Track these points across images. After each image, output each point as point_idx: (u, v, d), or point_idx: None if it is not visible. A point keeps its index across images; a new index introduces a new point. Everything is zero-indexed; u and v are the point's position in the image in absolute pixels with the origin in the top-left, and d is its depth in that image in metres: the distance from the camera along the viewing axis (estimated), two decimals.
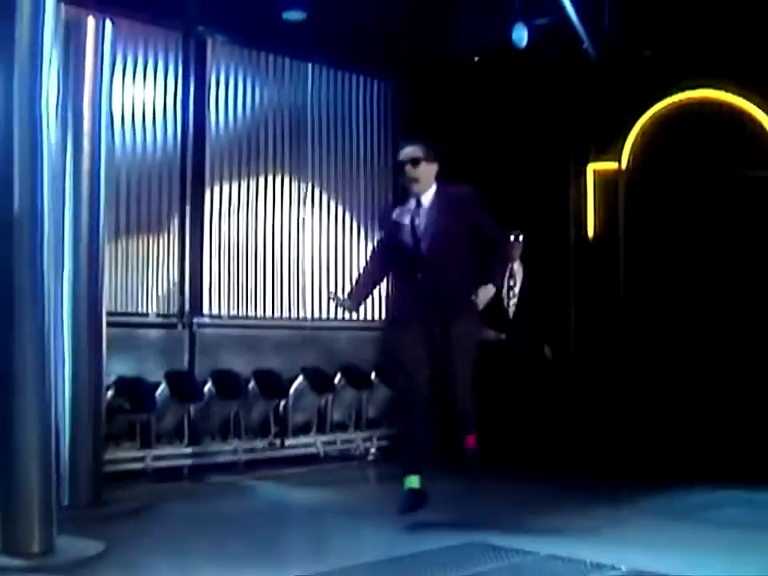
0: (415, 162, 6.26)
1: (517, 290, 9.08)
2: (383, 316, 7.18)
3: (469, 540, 5.56)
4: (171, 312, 8.70)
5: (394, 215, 6.39)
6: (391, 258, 6.46)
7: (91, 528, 5.82)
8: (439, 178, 6.32)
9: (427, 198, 6.28)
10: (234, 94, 9.31)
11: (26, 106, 5.29)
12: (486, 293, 6.22)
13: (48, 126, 5.43)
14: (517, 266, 9.07)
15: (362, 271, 7.22)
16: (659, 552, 5.20)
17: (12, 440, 5.23)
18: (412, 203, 6.31)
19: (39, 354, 5.37)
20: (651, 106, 9.84)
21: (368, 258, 7.40)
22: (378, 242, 7.13)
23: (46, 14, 5.51)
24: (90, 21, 6.66)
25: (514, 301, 9.09)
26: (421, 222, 6.23)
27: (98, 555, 5.14)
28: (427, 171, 6.27)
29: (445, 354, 6.18)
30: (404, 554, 5.19)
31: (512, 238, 8.90)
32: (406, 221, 6.27)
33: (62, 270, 6.35)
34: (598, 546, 5.32)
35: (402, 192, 6.66)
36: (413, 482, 5.99)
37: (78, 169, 6.59)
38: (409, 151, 6.33)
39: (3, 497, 5.21)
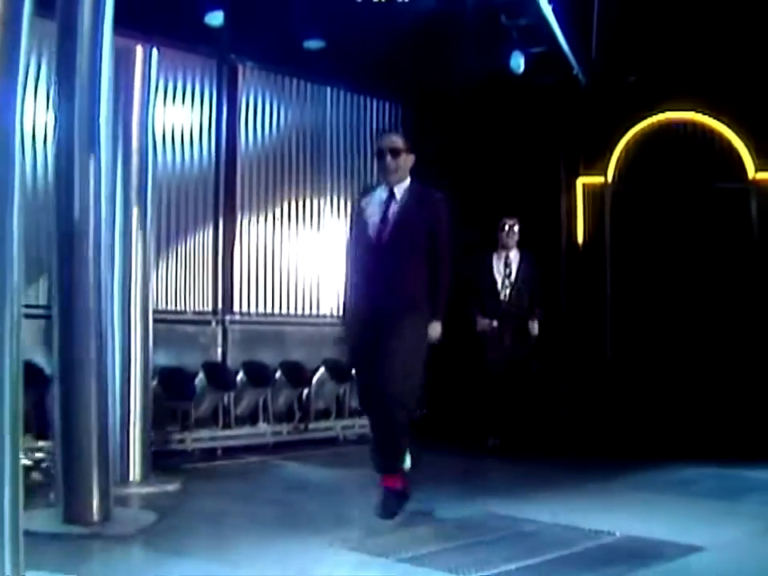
0: (396, 152, 5.65)
1: (513, 278, 8.59)
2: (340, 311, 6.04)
3: (480, 511, 5.70)
4: (206, 310, 8.76)
5: (363, 203, 5.81)
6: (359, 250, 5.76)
7: (142, 501, 6.05)
8: (413, 174, 5.77)
9: (400, 189, 5.66)
10: (261, 115, 9.33)
11: (85, 124, 5.36)
12: (434, 330, 5.56)
13: (104, 143, 5.49)
14: (513, 254, 8.63)
15: (349, 289, 5.86)
16: (647, 520, 5.39)
17: (74, 421, 5.32)
18: (383, 193, 5.71)
19: (97, 345, 5.44)
20: (634, 126, 9.85)
21: (349, 271, 5.89)
22: (351, 251, 5.91)
23: (104, 39, 5.66)
24: (139, 49, 6.74)
25: (508, 290, 8.58)
26: (391, 213, 5.60)
27: (150, 525, 5.25)
28: (406, 162, 5.69)
29: (387, 337, 5.37)
30: (417, 522, 5.33)
31: (507, 226, 8.59)
32: (376, 210, 5.65)
33: (114, 273, 6.36)
34: (594, 515, 5.51)
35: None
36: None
37: (128, 182, 6.64)
38: (391, 140, 5.74)
39: (65, 471, 5.30)
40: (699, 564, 4.53)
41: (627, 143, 9.90)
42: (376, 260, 5.56)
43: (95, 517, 5.27)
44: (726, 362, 9.13)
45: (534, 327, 8.51)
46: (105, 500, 5.36)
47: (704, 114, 9.69)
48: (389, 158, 5.62)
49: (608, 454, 8.04)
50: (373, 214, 5.63)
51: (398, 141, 5.71)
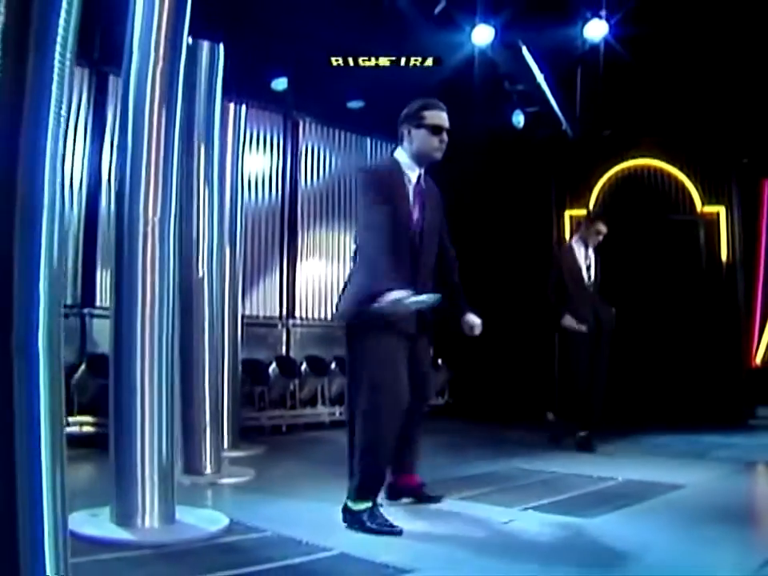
0: (448, 132, 4.08)
1: (593, 272, 7.04)
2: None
3: (504, 466, 5.87)
4: (274, 315, 8.90)
5: (387, 176, 4.03)
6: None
7: (236, 462, 6.11)
8: None
9: (423, 173, 4.12)
10: (317, 160, 9.46)
11: (208, 171, 5.72)
12: (476, 322, 4.27)
13: (215, 187, 5.84)
14: (591, 251, 7.12)
15: (389, 263, 3.79)
16: (639, 470, 5.58)
17: (191, 394, 5.51)
18: (414, 173, 4.05)
19: (212, 341, 5.73)
20: (609, 170, 9.98)
21: (387, 237, 3.83)
22: (385, 212, 3.88)
23: (217, 103, 6.00)
24: (231, 107, 6.80)
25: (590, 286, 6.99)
26: (424, 200, 4.07)
27: (253, 477, 5.44)
28: None
29: (422, 354, 4.21)
30: (459, 475, 5.42)
31: (601, 235, 7.02)
32: (413, 191, 4.03)
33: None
34: (597, 467, 5.69)
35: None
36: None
37: (222, 215, 6.51)
38: (446, 118, 4.07)
39: (185, 433, 5.42)
40: (683, 496, 4.80)
41: (604, 183, 10.03)
42: (411, 248, 4.01)
43: (209, 469, 5.45)
44: (680, 357, 9.24)
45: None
46: (218, 454, 5.58)
47: (662, 160, 9.85)
48: (444, 135, 4.06)
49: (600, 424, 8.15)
50: (404, 196, 4.02)
51: (447, 119, 4.10)
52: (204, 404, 5.61)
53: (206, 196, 5.79)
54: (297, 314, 9.14)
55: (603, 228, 7.02)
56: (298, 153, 9.28)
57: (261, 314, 8.77)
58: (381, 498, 4.09)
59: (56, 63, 2.21)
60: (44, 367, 2.19)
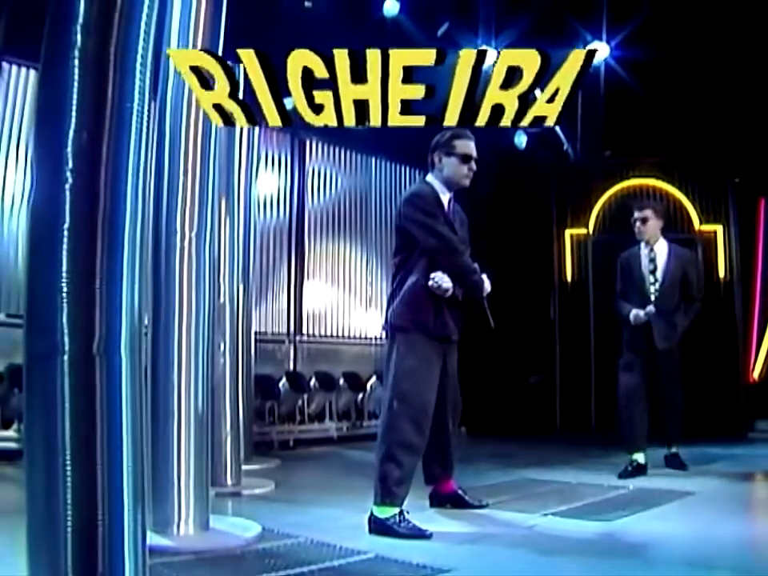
0: (477, 162, 4.34)
1: (659, 274, 6.12)
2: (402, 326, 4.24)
3: (518, 476, 6.00)
4: (281, 332, 8.97)
5: (436, 197, 4.28)
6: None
7: (255, 474, 6.12)
8: None
9: (451, 200, 4.38)
10: (324, 179, 9.56)
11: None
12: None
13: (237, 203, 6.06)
14: (659, 246, 6.18)
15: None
16: (649, 479, 5.74)
17: (214, 410, 5.60)
18: (445, 197, 4.31)
19: (231, 357, 5.95)
20: (609, 189, 10.09)
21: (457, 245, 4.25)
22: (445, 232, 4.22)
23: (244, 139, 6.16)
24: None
25: (656, 287, 6.09)
26: (457, 222, 4.37)
27: (272, 488, 5.53)
28: None
29: (453, 367, 4.44)
30: (475, 485, 5.37)
31: (637, 222, 6.14)
32: (448, 214, 4.30)
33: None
34: (607, 477, 5.81)
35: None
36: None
37: (235, 231, 6.50)
38: (474, 147, 4.35)
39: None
40: (695, 501, 4.97)
41: (604, 202, 10.15)
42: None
43: (230, 481, 5.55)
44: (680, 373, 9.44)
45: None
46: (238, 467, 5.66)
47: (660, 179, 10.01)
48: (473, 164, 4.33)
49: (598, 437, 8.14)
50: (447, 214, 4.32)
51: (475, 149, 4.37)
52: (225, 417, 5.73)
53: (226, 216, 5.92)
54: (305, 330, 9.22)
55: (636, 213, 6.24)
56: (305, 171, 9.39)
57: (270, 330, 8.85)
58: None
59: (137, 81, 2.37)
60: (126, 373, 2.32)
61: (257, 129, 7.10)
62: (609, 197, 10.18)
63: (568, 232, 10.33)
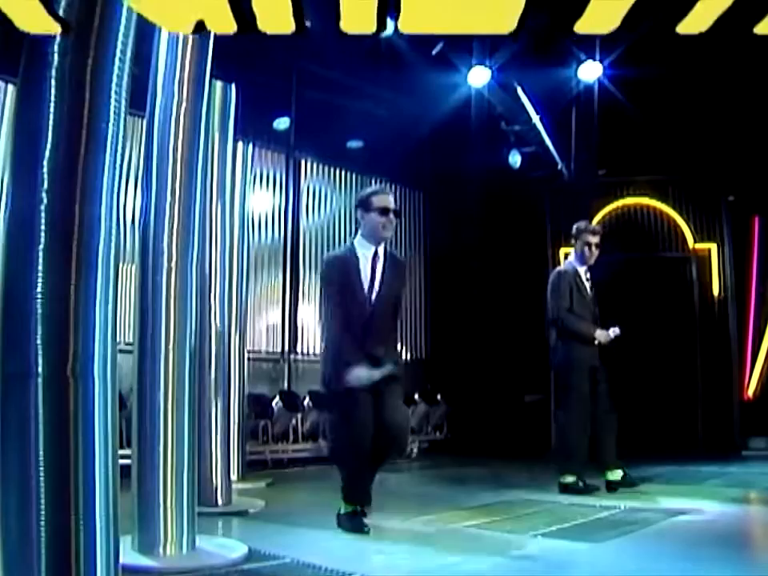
0: (395, 213, 4.66)
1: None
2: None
3: (512, 497, 5.94)
4: (276, 350, 8.99)
5: (344, 260, 4.65)
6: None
7: (245, 493, 6.10)
8: None
9: (381, 250, 4.64)
10: (318, 198, 9.61)
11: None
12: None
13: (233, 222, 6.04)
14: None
15: (346, 341, 4.51)
16: (641, 499, 5.67)
17: (202, 429, 5.32)
18: (369, 252, 4.59)
19: (220, 376, 5.89)
20: (603, 208, 10.09)
21: (340, 323, 4.55)
22: (337, 302, 4.60)
23: (229, 145, 6.16)
24: (240, 146, 6.71)
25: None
26: (378, 272, 4.60)
27: (263, 507, 5.49)
28: None
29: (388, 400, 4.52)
30: (471, 505, 5.51)
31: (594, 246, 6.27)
32: (367, 268, 4.57)
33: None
34: (599, 496, 5.80)
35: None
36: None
37: (231, 253, 6.41)
38: (391, 200, 4.69)
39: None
40: (687, 521, 4.94)
41: (599, 221, 9.69)
42: (361, 316, 4.57)
43: (221, 501, 5.52)
44: (674, 391, 9.40)
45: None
46: (228, 488, 5.63)
47: (654, 199, 10.07)
48: (392, 216, 4.61)
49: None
50: (360, 271, 4.58)
51: (393, 202, 4.74)
52: (215, 437, 5.71)
53: (219, 235, 5.91)
54: (299, 348, 9.23)
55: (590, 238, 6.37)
56: (300, 190, 9.43)
57: (264, 348, 8.88)
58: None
59: (112, 102, 2.37)
60: (99, 395, 2.32)
61: (251, 147, 7.16)
62: (603, 216, 10.15)
63: (563, 251, 10.00)
